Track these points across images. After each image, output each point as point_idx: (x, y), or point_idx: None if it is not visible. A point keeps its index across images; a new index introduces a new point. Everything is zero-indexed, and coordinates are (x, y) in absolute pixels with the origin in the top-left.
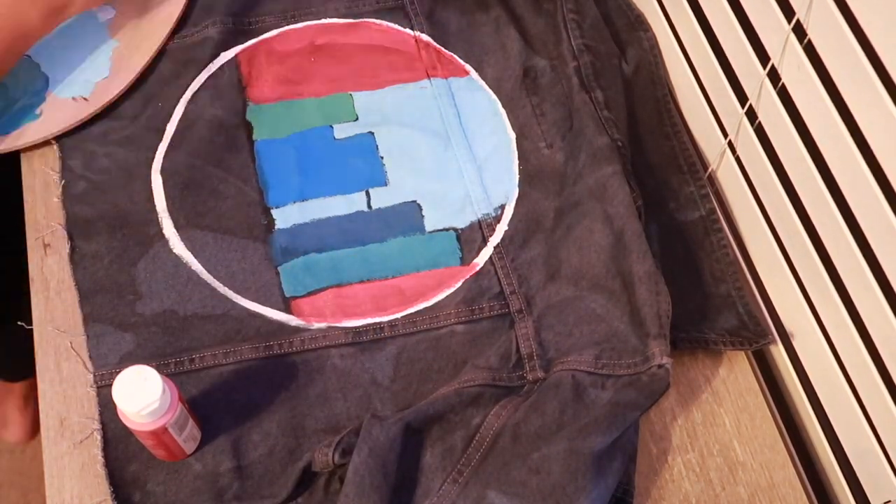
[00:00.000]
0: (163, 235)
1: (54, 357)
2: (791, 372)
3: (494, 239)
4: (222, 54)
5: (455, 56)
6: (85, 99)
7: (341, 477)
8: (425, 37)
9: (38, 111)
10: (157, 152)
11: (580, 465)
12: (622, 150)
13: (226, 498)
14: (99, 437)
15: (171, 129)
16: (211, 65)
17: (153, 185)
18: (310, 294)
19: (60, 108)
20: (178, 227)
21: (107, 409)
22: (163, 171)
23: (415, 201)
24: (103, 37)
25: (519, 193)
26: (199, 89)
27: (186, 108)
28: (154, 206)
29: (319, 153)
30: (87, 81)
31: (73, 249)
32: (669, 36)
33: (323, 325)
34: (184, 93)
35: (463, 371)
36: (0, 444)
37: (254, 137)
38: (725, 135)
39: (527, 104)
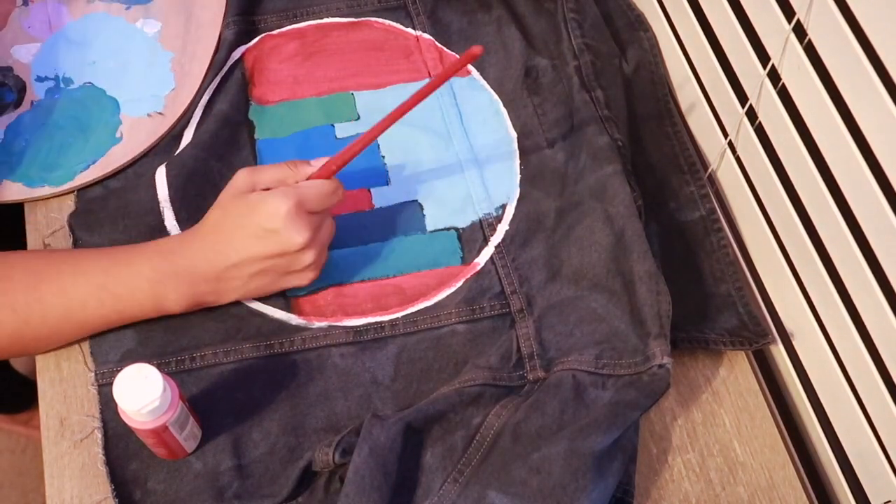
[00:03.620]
0: (164, 227)
1: (54, 356)
2: (791, 372)
3: (495, 238)
4: (232, 54)
5: (457, 56)
6: (160, 113)
7: (342, 477)
8: (427, 36)
9: (118, 134)
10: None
11: (580, 464)
12: (623, 150)
13: (226, 496)
14: (99, 436)
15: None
16: (224, 66)
17: (157, 174)
18: (311, 293)
19: (139, 127)
20: (179, 220)
21: (107, 407)
22: (167, 164)
23: (416, 201)
24: (157, 50)
25: (520, 193)
26: (214, 92)
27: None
28: (156, 196)
29: (321, 152)
30: (155, 96)
31: (75, 242)
32: (670, 36)
33: (324, 324)
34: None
35: (463, 370)
36: (0, 444)
37: (256, 136)
38: (725, 135)
39: (528, 104)
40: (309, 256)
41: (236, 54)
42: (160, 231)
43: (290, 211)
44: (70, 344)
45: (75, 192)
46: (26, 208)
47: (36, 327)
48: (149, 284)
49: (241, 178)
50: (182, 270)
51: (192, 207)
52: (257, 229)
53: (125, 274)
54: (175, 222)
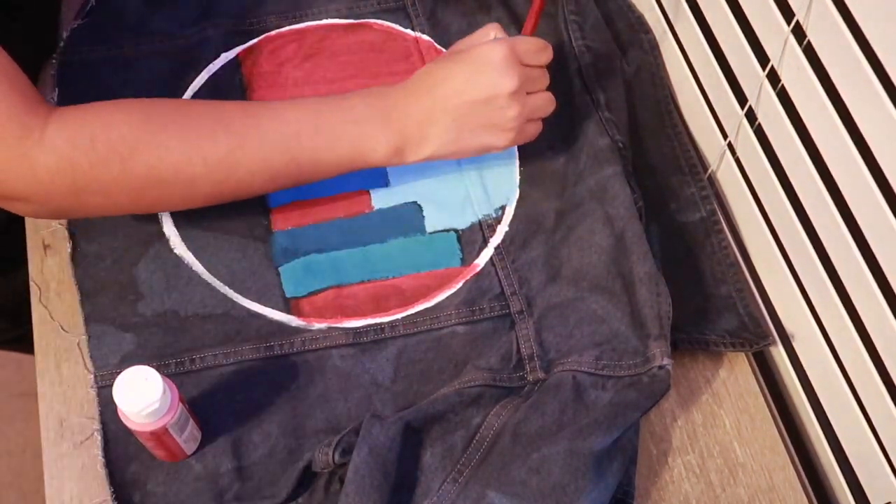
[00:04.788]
0: (163, 234)
1: (54, 358)
2: (791, 373)
3: (495, 240)
4: (223, 55)
5: None
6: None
7: (341, 477)
8: (426, 38)
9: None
10: None
11: (580, 465)
12: (623, 152)
13: (226, 498)
14: (99, 438)
15: None
16: (211, 65)
17: None
18: (310, 294)
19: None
20: (178, 226)
21: (107, 409)
22: None
23: (415, 202)
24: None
25: (520, 194)
26: (199, 89)
27: None
28: None
29: None
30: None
31: (74, 249)
32: (670, 37)
33: (323, 325)
34: (184, 93)
35: (463, 372)
36: None
37: None
38: (725, 136)
39: None
40: (513, 110)
41: (229, 55)
42: (159, 238)
43: (505, 55)
44: (70, 349)
45: None
46: None
47: (250, 152)
48: (361, 119)
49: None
50: (393, 109)
51: (191, 213)
52: (469, 72)
53: (338, 105)
54: (174, 228)
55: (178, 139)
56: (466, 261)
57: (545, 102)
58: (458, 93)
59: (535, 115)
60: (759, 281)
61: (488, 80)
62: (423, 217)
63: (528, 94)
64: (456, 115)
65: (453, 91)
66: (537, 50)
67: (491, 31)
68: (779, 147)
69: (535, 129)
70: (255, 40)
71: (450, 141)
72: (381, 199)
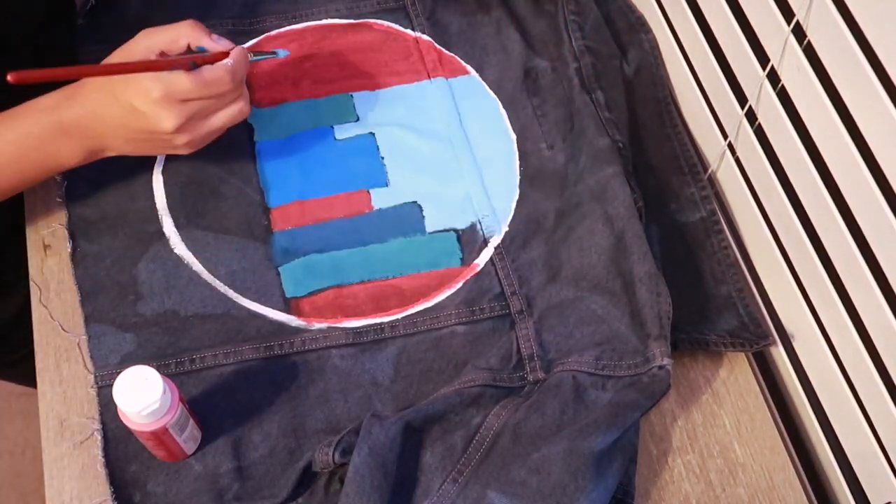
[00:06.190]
0: (163, 235)
1: (54, 358)
2: (791, 373)
3: (495, 240)
4: None
5: (456, 57)
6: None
7: (341, 477)
8: (426, 37)
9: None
10: None
11: (580, 465)
12: (623, 152)
13: (226, 498)
14: (99, 438)
15: None
16: None
17: (154, 184)
18: (310, 294)
19: None
20: (178, 226)
21: (107, 409)
22: (164, 171)
23: (415, 202)
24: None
25: (519, 194)
26: None
27: None
28: (154, 205)
29: (320, 154)
30: None
31: (74, 249)
32: (670, 37)
33: (323, 325)
34: None
35: (463, 372)
36: None
37: (255, 139)
38: (725, 136)
39: (528, 105)
40: (181, 139)
41: None
42: (159, 239)
43: (159, 98)
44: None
45: (63, 189)
46: (26, 208)
47: None
48: (39, 143)
49: (139, 39)
50: (70, 127)
51: (191, 213)
52: (127, 105)
53: (14, 135)
54: (174, 228)
55: None
56: (466, 260)
57: (226, 119)
58: (122, 122)
59: (213, 129)
60: (759, 281)
61: (145, 119)
62: (423, 217)
63: (202, 119)
64: (128, 137)
65: (117, 118)
66: (204, 84)
67: (172, 33)
68: (779, 147)
69: (216, 129)
70: (255, 40)
71: (135, 150)
72: (381, 199)
